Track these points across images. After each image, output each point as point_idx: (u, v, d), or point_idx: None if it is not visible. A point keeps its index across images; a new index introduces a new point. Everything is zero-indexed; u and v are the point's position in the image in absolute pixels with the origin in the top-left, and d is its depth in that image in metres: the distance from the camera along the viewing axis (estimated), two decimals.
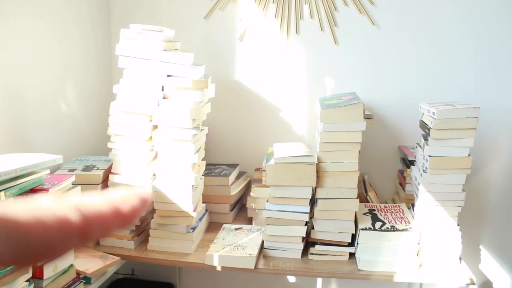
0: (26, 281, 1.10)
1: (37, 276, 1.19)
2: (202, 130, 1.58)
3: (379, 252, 1.43)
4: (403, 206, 1.66)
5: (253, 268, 1.46)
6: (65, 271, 1.28)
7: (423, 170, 1.47)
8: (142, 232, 1.64)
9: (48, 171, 1.23)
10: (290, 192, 1.49)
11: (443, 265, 1.45)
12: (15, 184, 1.10)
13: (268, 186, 1.51)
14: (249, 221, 1.82)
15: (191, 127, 1.48)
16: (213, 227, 1.76)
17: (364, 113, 1.44)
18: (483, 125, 1.56)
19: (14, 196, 1.09)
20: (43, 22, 1.60)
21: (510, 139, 1.82)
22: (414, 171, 1.62)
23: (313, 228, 1.52)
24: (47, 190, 1.18)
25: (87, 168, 1.60)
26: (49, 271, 1.21)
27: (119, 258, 1.48)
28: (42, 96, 1.61)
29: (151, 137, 1.53)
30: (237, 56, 1.97)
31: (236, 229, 1.69)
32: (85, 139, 1.88)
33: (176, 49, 1.57)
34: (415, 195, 1.57)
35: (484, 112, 1.44)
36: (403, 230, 1.46)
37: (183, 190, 1.52)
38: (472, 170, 1.43)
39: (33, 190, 1.18)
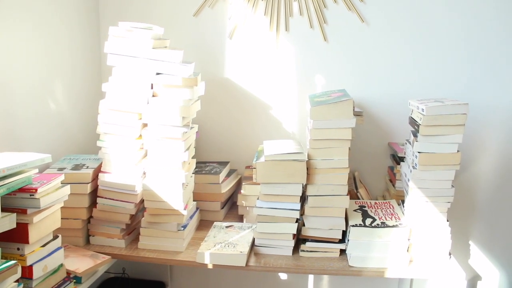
0: (15, 281, 1.09)
1: (27, 276, 1.17)
2: (192, 128, 1.57)
3: (369, 248, 1.44)
4: (393, 202, 1.66)
5: (244, 265, 1.46)
6: (55, 271, 1.27)
7: (413, 167, 1.48)
8: (132, 231, 1.63)
9: (36, 170, 1.22)
10: (280, 190, 1.49)
11: (433, 261, 1.46)
12: (3, 183, 1.08)
13: (259, 184, 1.51)
14: (240, 218, 1.82)
15: (181, 125, 1.48)
16: (204, 225, 1.76)
17: (354, 110, 1.45)
18: (472, 122, 1.57)
19: (2, 195, 1.08)
20: (31, 19, 1.58)
21: (498, 135, 1.84)
22: (404, 167, 1.62)
23: (303, 225, 1.52)
24: (35, 189, 1.17)
25: (77, 167, 1.59)
26: (38, 271, 1.19)
27: (109, 257, 1.47)
28: (30, 94, 1.60)
29: (140, 136, 1.52)
30: (227, 54, 1.96)
31: (227, 226, 1.69)
32: (74, 138, 1.86)
33: (166, 47, 1.56)
34: (405, 191, 1.58)
35: (473, 109, 1.45)
36: (393, 226, 1.46)
37: (173, 188, 1.51)
38: (461, 166, 1.44)
39: (21, 190, 1.16)
